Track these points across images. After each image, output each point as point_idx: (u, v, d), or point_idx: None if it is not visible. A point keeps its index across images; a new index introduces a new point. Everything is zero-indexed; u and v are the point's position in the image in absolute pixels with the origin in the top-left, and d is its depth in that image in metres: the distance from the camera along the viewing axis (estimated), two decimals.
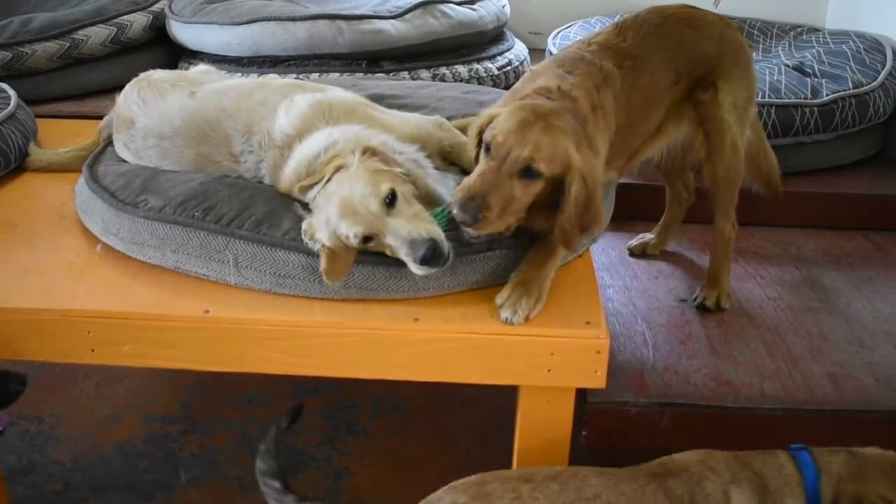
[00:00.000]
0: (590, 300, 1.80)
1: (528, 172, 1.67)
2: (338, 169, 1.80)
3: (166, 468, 2.48)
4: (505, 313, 1.71)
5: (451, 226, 1.74)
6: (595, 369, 1.71)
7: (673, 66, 2.03)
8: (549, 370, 1.71)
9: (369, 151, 1.81)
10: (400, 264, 1.72)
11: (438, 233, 1.69)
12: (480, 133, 1.75)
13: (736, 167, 2.15)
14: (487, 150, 1.70)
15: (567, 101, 1.77)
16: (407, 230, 1.68)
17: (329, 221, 1.74)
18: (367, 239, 1.72)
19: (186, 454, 2.54)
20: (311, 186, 1.84)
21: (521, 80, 1.98)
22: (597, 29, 2.15)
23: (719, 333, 2.15)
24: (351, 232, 1.71)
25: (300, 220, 1.81)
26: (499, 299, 1.75)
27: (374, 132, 1.93)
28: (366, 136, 1.89)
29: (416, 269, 1.69)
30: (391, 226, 1.69)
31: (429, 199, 1.85)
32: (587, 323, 1.72)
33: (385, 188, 1.71)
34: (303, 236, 1.77)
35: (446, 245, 1.69)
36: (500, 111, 1.73)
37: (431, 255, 1.65)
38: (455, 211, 1.67)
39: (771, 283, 2.41)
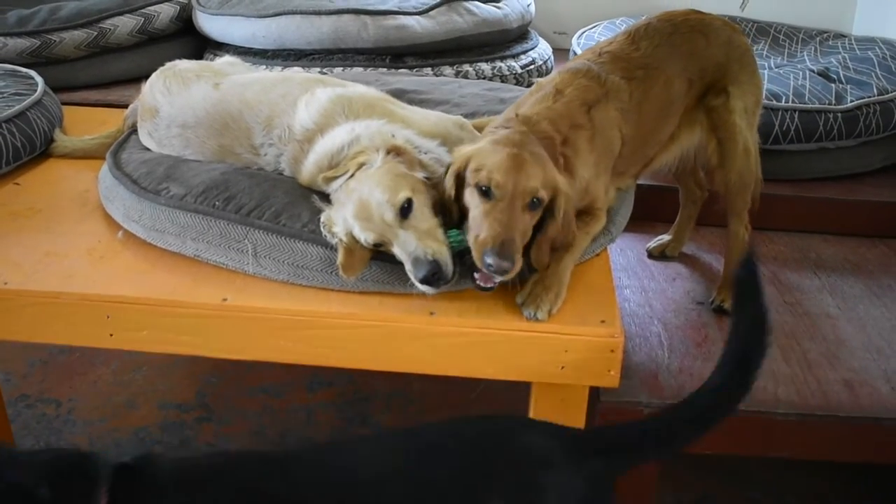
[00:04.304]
0: (605, 299, 1.79)
1: (533, 204, 1.66)
2: (361, 165, 1.80)
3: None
4: (528, 311, 1.70)
5: (464, 247, 1.70)
6: (609, 368, 1.71)
7: (686, 75, 2.04)
8: (562, 367, 1.71)
9: (394, 151, 1.81)
10: None
11: (444, 254, 1.68)
12: (459, 174, 1.72)
13: (748, 171, 2.15)
14: (484, 193, 1.65)
15: (528, 126, 1.76)
16: (413, 246, 1.68)
17: (346, 219, 1.75)
18: (377, 244, 1.73)
19: (201, 442, 2.56)
20: (334, 178, 1.84)
21: (526, 93, 1.98)
22: (622, 30, 2.15)
23: None
24: (363, 236, 1.72)
25: (319, 211, 1.82)
26: (519, 298, 1.74)
27: (396, 127, 1.94)
28: (388, 131, 1.89)
29: (417, 285, 1.69)
30: (401, 238, 1.69)
31: None
32: (602, 321, 1.71)
33: (402, 197, 1.71)
34: (321, 228, 1.78)
35: (450, 267, 1.68)
36: (476, 150, 1.71)
37: (431, 278, 1.66)
38: (490, 261, 1.59)
39: (789, 288, 2.40)
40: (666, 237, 2.55)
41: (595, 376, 1.73)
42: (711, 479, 2.46)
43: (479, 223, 1.64)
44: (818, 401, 1.93)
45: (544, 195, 1.66)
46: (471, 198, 1.69)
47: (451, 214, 1.77)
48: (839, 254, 2.62)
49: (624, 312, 2.22)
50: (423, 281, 1.66)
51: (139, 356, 2.94)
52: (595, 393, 1.89)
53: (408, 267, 1.68)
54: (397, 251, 1.70)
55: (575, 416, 1.80)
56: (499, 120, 1.86)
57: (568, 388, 1.77)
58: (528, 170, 1.65)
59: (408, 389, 2.79)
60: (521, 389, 1.86)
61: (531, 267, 1.74)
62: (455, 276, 1.69)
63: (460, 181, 1.72)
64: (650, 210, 2.58)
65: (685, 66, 2.04)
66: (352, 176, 1.79)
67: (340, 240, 1.74)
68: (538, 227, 1.71)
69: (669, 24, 2.07)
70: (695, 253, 2.57)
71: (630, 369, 1.98)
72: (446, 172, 1.76)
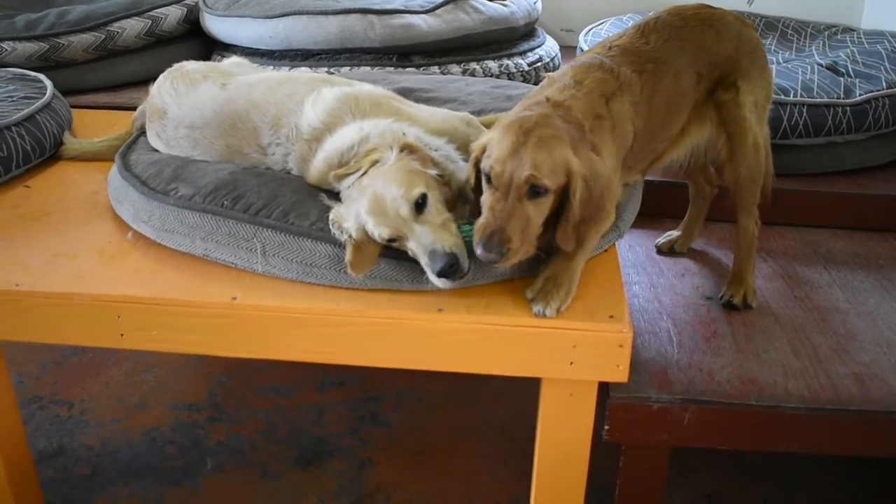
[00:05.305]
0: (614, 294, 1.79)
1: (535, 191, 1.65)
2: (374, 163, 1.81)
3: (192, 455, 2.52)
4: (537, 306, 1.71)
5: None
6: (617, 363, 1.71)
7: (695, 69, 2.03)
8: (571, 363, 1.71)
9: (408, 148, 1.82)
10: None
11: (461, 247, 1.69)
12: (477, 164, 1.75)
13: (757, 165, 2.15)
14: (489, 181, 1.68)
15: (558, 110, 1.76)
16: (430, 240, 1.68)
17: (359, 215, 1.75)
18: (392, 239, 1.74)
19: (212, 441, 2.57)
20: (346, 175, 1.85)
21: (538, 87, 1.97)
22: (632, 24, 2.15)
23: (745, 332, 2.14)
24: (377, 231, 1.73)
25: (327, 210, 1.82)
26: (529, 293, 1.75)
27: (404, 125, 1.94)
28: (397, 129, 1.90)
29: (433, 280, 1.70)
30: (416, 232, 1.70)
31: (461, 196, 1.86)
32: (610, 317, 1.71)
33: (417, 192, 1.72)
34: (330, 226, 1.79)
35: (466, 261, 1.69)
36: (490, 137, 1.73)
37: (449, 270, 1.66)
38: (478, 251, 1.64)
39: (799, 282, 2.39)
40: (675, 233, 2.55)
41: (604, 371, 1.73)
42: (721, 475, 2.45)
43: (482, 210, 1.68)
44: (828, 394, 1.92)
45: (547, 182, 1.65)
46: (484, 187, 1.72)
47: (473, 212, 1.80)
48: (849, 248, 2.62)
49: (633, 308, 2.22)
50: (441, 273, 1.66)
51: (150, 357, 2.95)
52: (605, 388, 1.89)
53: (424, 261, 1.69)
54: (412, 245, 1.71)
55: (584, 412, 1.81)
56: (516, 110, 1.84)
57: (577, 383, 1.78)
58: (525, 156, 1.64)
59: (418, 388, 2.80)
60: (530, 386, 1.86)
61: (555, 249, 1.75)
62: (470, 269, 1.70)
63: (479, 170, 1.74)
64: (659, 206, 2.59)
65: (694, 60, 2.04)
66: (364, 173, 1.80)
67: (350, 237, 1.75)
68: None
69: (679, 18, 2.07)
70: (704, 248, 2.57)
71: (639, 365, 1.98)
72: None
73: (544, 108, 1.75)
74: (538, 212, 1.68)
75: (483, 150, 1.72)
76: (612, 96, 1.87)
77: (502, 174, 1.65)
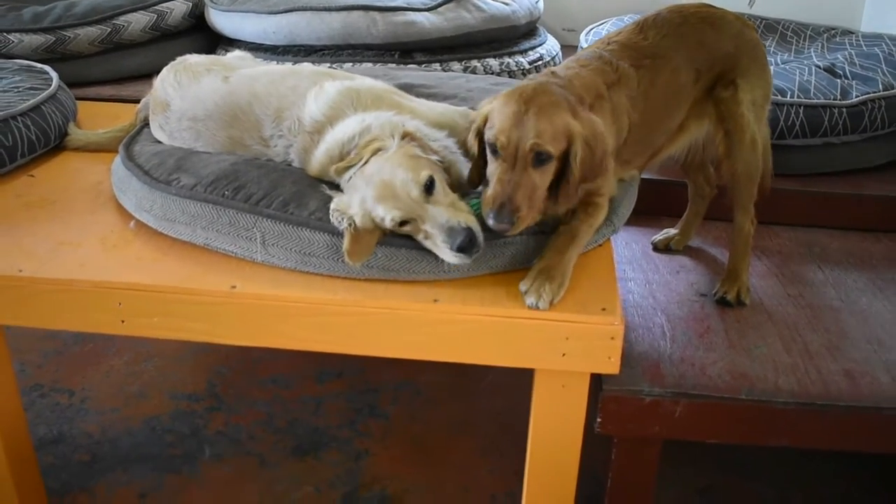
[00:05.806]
0: (607, 287, 1.82)
1: (539, 159, 1.72)
2: (376, 152, 1.84)
3: (191, 443, 2.55)
4: (530, 299, 1.74)
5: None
6: (609, 355, 1.74)
7: (694, 65, 2.06)
8: (563, 354, 1.74)
9: (408, 136, 1.86)
10: (421, 246, 1.77)
11: (474, 223, 1.73)
12: (480, 133, 1.80)
13: (755, 163, 2.18)
14: (495, 151, 1.74)
15: (559, 80, 1.82)
16: (445, 217, 1.72)
17: (364, 202, 1.78)
18: (402, 223, 1.76)
19: (211, 431, 2.60)
20: (348, 168, 1.88)
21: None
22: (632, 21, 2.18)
23: (737, 328, 2.16)
24: (388, 216, 1.75)
25: (327, 200, 1.85)
26: (522, 286, 1.77)
27: (405, 118, 1.97)
28: (399, 122, 1.93)
29: (450, 257, 1.72)
30: (430, 212, 1.73)
31: (460, 186, 1.89)
32: (603, 309, 1.74)
33: (425, 175, 1.75)
34: (331, 215, 1.80)
35: (481, 235, 1.73)
36: (492, 106, 1.78)
37: (468, 244, 1.69)
38: (490, 222, 1.72)
39: (793, 281, 2.41)
40: (672, 231, 2.57)
41: (595, 363, 1.76)
42: (714, 470, 2.48)
43: (489, 180, 1.75)
44: (818, 390, 1.94)
45: (551, 149, 1.71)
46: (489, 157, 1.77)
47: (471, 180, 1.86)
48: (843, 248, 2.64)
49: (628, 303, 2.24)
50: (460, 248, 1.69)
51: (150, 347, 2.98)
52: (597, 381, 1.92)
53: (441, 238, 1.71)
54: (427, 226, 1.73)
55: (576, 403, 1.83)
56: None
57: (569, 374, 1.80)
58: (528, 126, 1.70)
59: (416, 380, 2.83)
60: (527, 380, 1.88)
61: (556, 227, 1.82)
62: (482, 245, 1.73)
63: (482, 138, 1.79)
64: (657, 205, 2.62)
65: (693, 57, 2.07)
66: (366, 163, 1.83)
67: (349, 225, 1.76)
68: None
69: (679, 15, 2.11)
70: (699, 246, 2.59)
71: (633, 359, 2.01)
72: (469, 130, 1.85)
73: (545, 77, 1.82)
74: (543, 178, 1.74)
75: (485, 120, 1.78)
76: (612, 86, 1.92)
77: (507, 145, 1.71)
